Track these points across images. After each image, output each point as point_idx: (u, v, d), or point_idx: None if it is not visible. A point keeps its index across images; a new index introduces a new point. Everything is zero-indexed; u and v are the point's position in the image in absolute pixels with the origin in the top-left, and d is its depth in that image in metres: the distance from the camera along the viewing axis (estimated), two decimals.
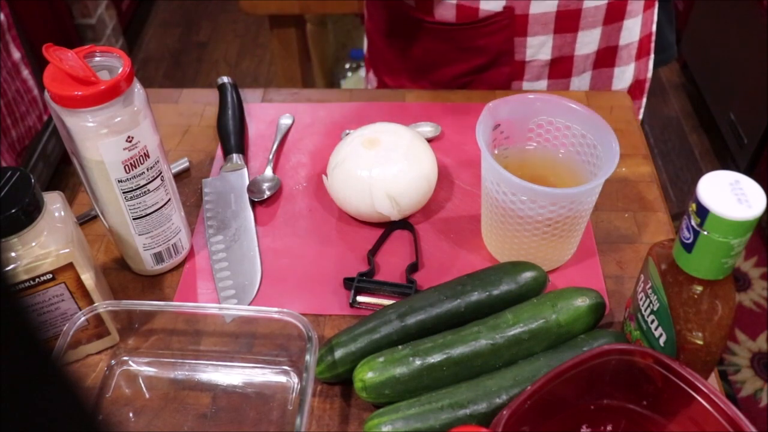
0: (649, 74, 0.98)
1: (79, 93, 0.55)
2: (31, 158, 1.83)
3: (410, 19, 0.91)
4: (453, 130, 0.83)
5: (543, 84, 0.92)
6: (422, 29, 0.91)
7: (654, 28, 0.93)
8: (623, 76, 0.94)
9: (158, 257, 0.68)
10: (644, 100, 1.00)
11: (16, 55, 1.73)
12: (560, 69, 0.91)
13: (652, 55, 0.96)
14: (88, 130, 0.57)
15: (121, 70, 0.57)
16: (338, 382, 0.60)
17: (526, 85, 0.92)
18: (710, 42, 2.17)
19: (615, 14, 0.87)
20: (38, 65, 1.86)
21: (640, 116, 1.01)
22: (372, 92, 0.90)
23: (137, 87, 0.59)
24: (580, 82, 0.93)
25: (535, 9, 0.85)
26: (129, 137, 0.58)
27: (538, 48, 0.89)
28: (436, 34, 0.90)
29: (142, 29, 2.69)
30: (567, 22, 0.86)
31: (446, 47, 0.91)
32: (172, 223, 0.67)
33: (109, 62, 0.59)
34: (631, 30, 0.90)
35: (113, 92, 0.56)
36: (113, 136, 0.58)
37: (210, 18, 2.76)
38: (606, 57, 0.91)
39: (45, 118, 1.87)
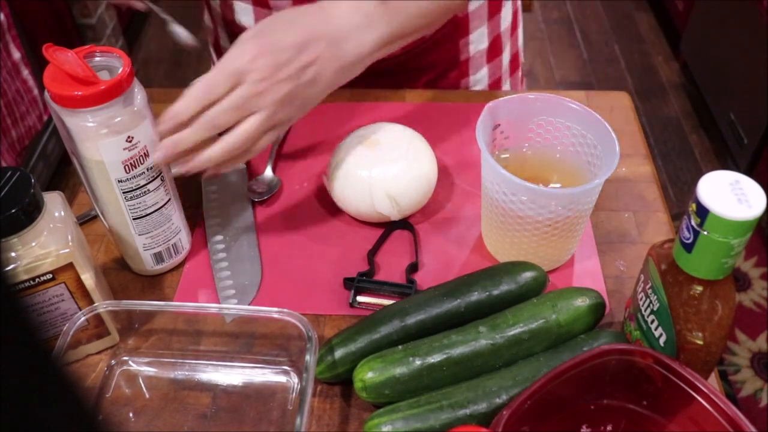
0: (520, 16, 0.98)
1: (79, 93, 0.55)
2: (31, 158, 1.83)
3: None
4: (453, 130, 0.83)
5: (484, 71, 0.93)
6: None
7: None
8: (519, 31, 0.95)
9: (158, 257, 0.68)
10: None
11: (16, 55, 1.73)
12: (494, 51, 0.92)
13: None
14: (88, 130, 0.57)
15: (121, 70, 0.57)
16: (338, 382, 0.60)
17: (471, 80, 0.93)
18: (710, 42, 2.17)
19: None
20: (38, 65, 1.86)
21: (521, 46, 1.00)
22: (372, 92, 0.89)
23: (137, 87, 0.59)
24: (505, 56, 0.94)
25: (472, 6, 0.85)
26: (129, 137, 0.58)
27: (478, 41, 0.89)
28: (373, 75, 0.86)
29: (142, 29, 2.69)
30: (495, 3, 0.87)
31: (385, 82, 0.89)
32: (172, 223, 0.67)
33: (109, 62, 0.59)
34: None
35: (113, 92, 0.56)
36: (113, 136, 0.58)
37: None
38: (515, 21, 0.93)
39: (45, 118, 1.87)
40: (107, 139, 0.58)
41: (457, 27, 0.86)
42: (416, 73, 0.90)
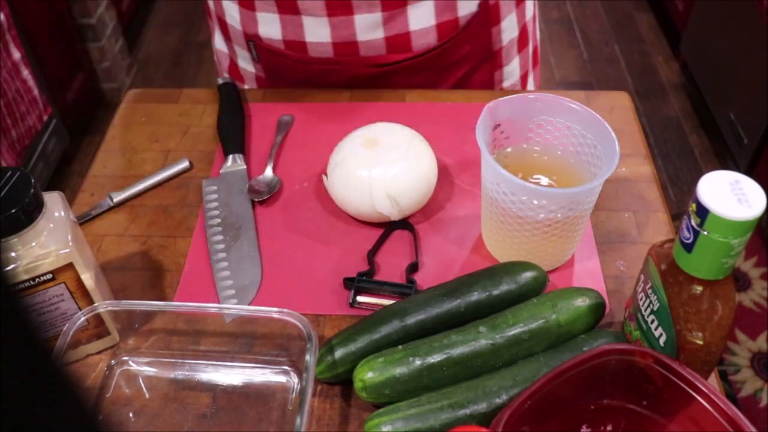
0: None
1: None
2: (31, 158, 1.83)
3: (360, 74, 0.86)
4: (453, 130, 0.83)
5: (515, 63, 0.91)
6: (379, 76, 0.87)
7: None
8: (537, 24, 0.95)
9: None
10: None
11: (16, 55, 1.73)
12: (523, 40, 0.90)
13: None
14: None
15: None
16: (338, 382, 0.60)
17: (505, 72, 0.91)
18: (710, 42, 2.17)
19: None
20: (38, 65, 1.86)
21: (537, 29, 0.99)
22: (372, 92, 0.90)
23: None
24: (532, 44, 0.93)
25: None
26: None
27: (510, 29, 0.88)
28: (405, 71, 0.86)
29: (142, 29, 2.69)
30: None
31: (419, 79, 0.88)
32: None
33: None
34: None
35: None
36: None
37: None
38: (534, 12, 0.91)
39: (45, 118, 1.87)
40: None
41: (489, 14, 0.84)
42: (448, 71, 0.88)
